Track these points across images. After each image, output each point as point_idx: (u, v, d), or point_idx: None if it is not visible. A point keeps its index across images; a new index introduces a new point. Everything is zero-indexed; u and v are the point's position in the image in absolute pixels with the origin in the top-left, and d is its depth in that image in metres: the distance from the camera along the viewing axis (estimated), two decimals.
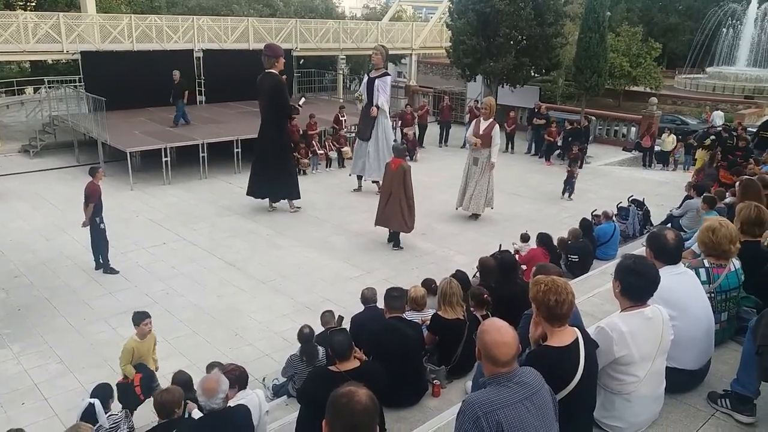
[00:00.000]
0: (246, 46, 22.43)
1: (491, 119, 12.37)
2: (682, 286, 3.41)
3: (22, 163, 16.91)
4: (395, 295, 4.78)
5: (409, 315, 5.63)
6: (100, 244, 10.17)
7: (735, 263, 3.85)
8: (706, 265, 3.83)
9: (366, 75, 14.75)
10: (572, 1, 26.02)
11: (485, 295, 5.20)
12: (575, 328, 2.87)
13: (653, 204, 13.05)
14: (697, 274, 3.78)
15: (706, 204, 8.06)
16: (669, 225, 10.21)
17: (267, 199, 13.58)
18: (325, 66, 27.78)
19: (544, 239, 8.65)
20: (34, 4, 27.58)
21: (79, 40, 18.71)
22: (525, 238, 9.34)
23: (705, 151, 16.52)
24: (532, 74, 22.43)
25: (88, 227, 10.02)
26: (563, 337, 2.85)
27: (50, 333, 8.24)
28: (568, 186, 15.33)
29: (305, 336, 5.85)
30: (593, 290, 6.77)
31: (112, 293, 9.46)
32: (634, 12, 39.89)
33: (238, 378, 4.64)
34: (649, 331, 3.02)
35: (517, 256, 8.95)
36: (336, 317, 6.53)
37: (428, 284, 6.64)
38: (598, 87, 20.58)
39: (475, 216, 13.11)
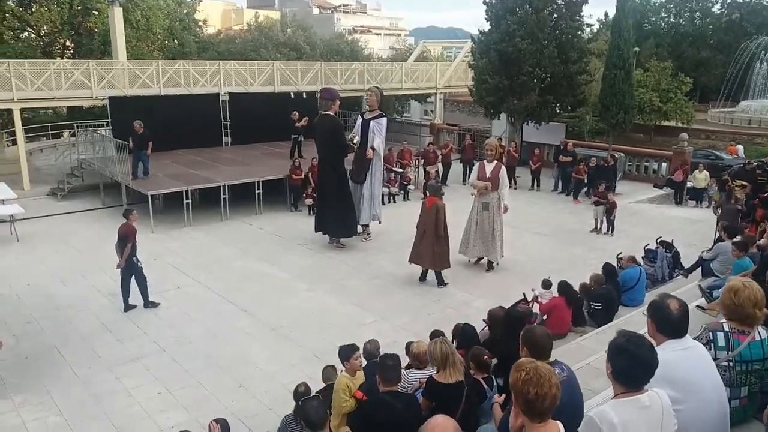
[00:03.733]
0: (272, 89, 22.73)
1: (496, 161, 12.09)
2: (689, 364, 2.94)
3: (49, 206, 17.20)
4: (389, 365, 4.37)
5: (411, 374, 5.28)
6: (140, 281, 10.36)
7: (761, 332, 3.34)
8: (726, 329, 3.34)
9: (360, 116, 14.45)
10: (597, 38, 25.79)
11: (485, 357, 4.79)
12: (558, 423, 2.47)
13: (685, 244, 12.45)
14: (714, 338, 3.28)
15: (738, 249, 7.51)
16: (700, 269, 9.66)
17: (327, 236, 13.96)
18: (350, 107, 27.99)
19: (564, 288, 8.18)
20: (71, 51, 28.63)
21: (108, 85, 19.23)
22: (546, 284, 8.86)
23: (741, 189, 15.83)
24: (557, 111, 22.13)
25: (123, 268, 10.15)
26: None
27: (54, 383, 8.06)
28: (608, 221, 14.90)
29: (300, 395, 5.52)
30: None
31: (120, 341, 9.31)
32: (663, 47, 39.52)
33: None
34: (646, 422, 2.56)
35: (537, 305, 8.52)
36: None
37: (435, 336, 6.27)
38: (625, 124, 20.18)
39: (490, 265, 12.47)
